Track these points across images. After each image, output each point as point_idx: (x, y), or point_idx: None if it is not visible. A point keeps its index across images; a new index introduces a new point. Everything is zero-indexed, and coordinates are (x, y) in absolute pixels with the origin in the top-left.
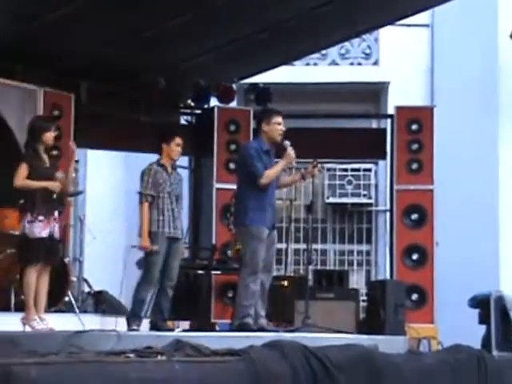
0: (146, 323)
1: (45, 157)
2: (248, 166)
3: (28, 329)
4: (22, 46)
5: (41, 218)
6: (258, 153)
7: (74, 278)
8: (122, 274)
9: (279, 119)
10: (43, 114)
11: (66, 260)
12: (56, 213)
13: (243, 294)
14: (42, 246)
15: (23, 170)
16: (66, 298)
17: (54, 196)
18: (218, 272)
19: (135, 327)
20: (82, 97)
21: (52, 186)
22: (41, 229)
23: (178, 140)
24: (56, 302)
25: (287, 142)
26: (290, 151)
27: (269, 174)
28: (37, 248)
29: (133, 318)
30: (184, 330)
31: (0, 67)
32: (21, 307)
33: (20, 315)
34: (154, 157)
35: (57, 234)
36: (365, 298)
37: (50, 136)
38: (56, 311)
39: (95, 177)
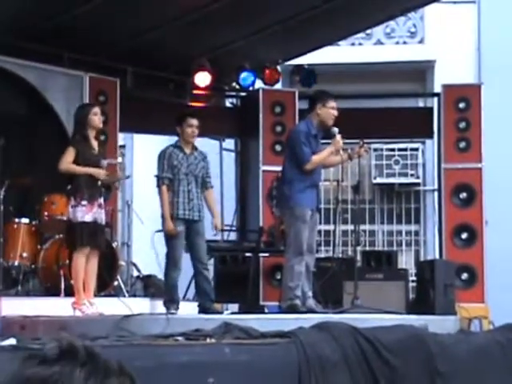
0: (194, 306)
1: (94, 143)
2: (296, 150)
3: (78, 313)
4: (69, 33)
5: (84, 202)
6: (308, 137)
7: (122, 263)
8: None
9: (334, 104)
10: (89, 99)
11: (114, 245)
12: (101, 199)
13: (289, 275)
14: (86, 229)
15: (69, 154)
16: (115, 283)
17: (99, 183)
18: (266, 254)
19: (173, 311)
20: (127, 82)
21: (97, 173)
22: (83, 213)
23: (191, 121)
24: (105, 287)
25: (335, 129)
26: (339, 139)
27: (315, 161)
28: (80, 232)
29: (169, 302)
30: (232, 313)
31: (47, 53)
32: (71, 292)
33: (70, 300)
34: (200, 140)
35: (101, 220)
36: (414, 278)
37: (96, 119)
38: (105, 296)
39: (142, 161)
